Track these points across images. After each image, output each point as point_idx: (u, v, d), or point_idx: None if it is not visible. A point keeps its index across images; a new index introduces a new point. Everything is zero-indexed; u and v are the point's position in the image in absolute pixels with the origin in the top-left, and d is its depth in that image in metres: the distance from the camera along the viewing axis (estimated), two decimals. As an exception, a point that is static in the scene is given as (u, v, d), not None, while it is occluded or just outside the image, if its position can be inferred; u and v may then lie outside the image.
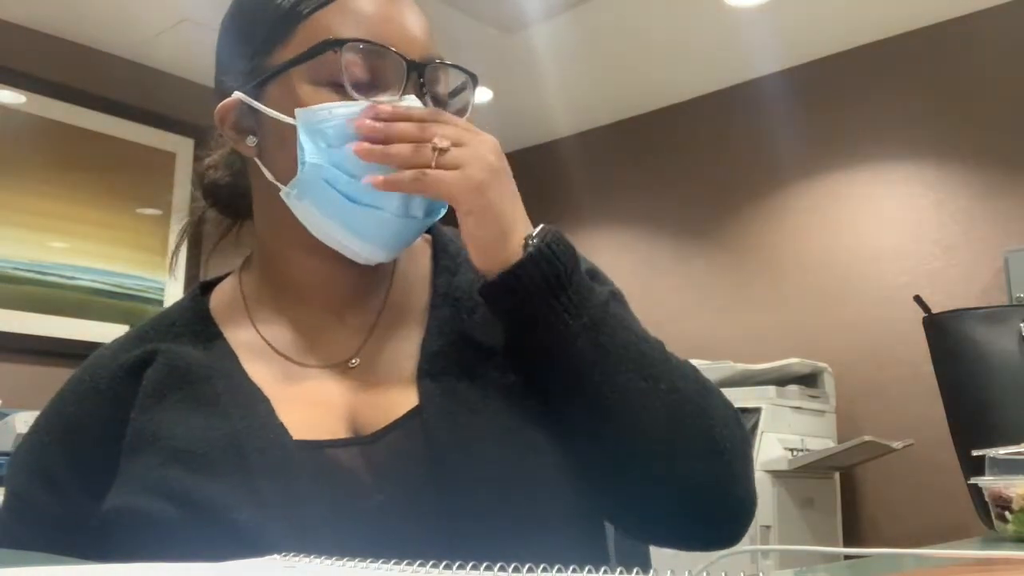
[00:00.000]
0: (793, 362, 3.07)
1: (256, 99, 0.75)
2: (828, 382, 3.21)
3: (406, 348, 0.79)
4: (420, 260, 0.87)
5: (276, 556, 0.51)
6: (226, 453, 0.68)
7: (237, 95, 0.76)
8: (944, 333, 1.31)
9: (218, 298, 0.85)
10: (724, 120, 3.91)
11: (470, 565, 0.45)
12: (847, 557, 0.55)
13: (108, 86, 3.47)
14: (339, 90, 0.73)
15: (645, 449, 0.69)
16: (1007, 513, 1.04)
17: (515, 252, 0.71)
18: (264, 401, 0.73)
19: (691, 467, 0.70)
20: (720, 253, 3.84)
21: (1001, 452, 1.06)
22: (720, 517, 0.73)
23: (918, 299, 1.35)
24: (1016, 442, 1.08)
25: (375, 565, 0.46)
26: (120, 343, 0.83)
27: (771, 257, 3.68)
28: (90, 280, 3.34)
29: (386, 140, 0.70)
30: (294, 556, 0.50)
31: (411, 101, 0.73)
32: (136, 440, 0.72)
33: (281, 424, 0.71)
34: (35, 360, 3.10)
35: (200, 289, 0.87)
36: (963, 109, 3.27)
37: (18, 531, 0.76)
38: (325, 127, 0.72)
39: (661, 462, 0.69)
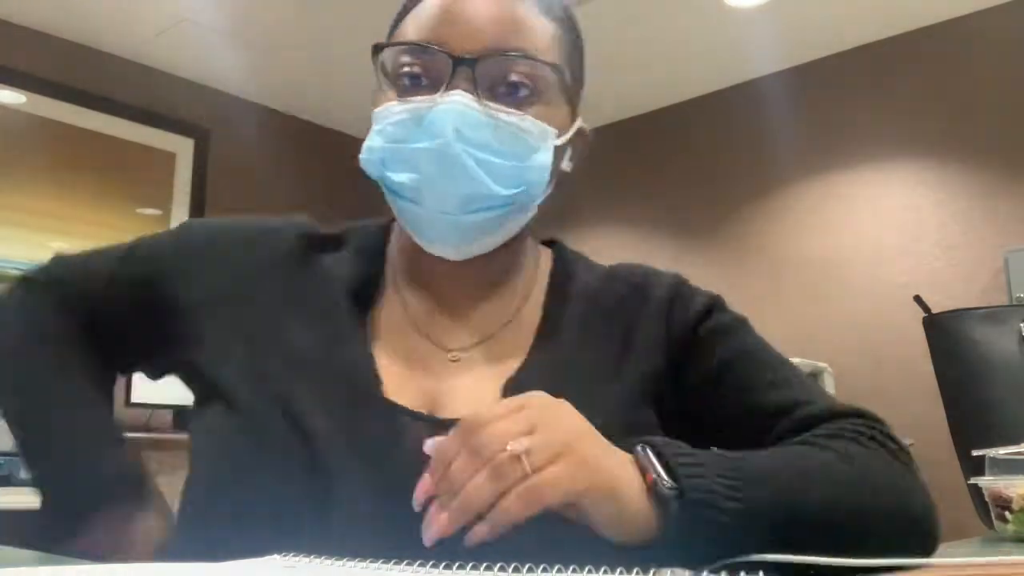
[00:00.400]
0: (793, 362, 3.07)
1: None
2: (828, 382, 3.21)
3: (502, 367, 0.78)
4: (539, 279, 0.87)
5: (276, 556, 0.51)
6: (322, 377, 0.73)
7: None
8: (944, 333, 1.31)
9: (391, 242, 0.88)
10: (724, 120, 3.91)
11: (470, 565, 0.45)
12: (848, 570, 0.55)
13: (108, 86, 3.47)
14: (397, 90, 0.77)
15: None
16: (1007, 513, 1.04)
17: (646, 514, 0.59)
18: (368, 356, 0.76)
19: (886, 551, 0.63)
20: (720, 253, 3.84)
21: (1001, 452, 1.06)
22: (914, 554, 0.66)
23: (918, 299, 1.36)
24: (1016, 442, 1.08)
25: (375, 565, 0.46)
26: (309, 232, 0.85)
27: (771, 257, 3.68)
28: (90, 280, 3.34)
29: (448, 486, 0.58)
30: (293, 556, 0.50)
31: (456, 97, 0.73)
32: (263, 318, 0.78)
33: (378, 377, 0.74)
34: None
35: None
36: (963, 109, 3.27)
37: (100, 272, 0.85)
38: (377, 126, 0.77)
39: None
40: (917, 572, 0.59)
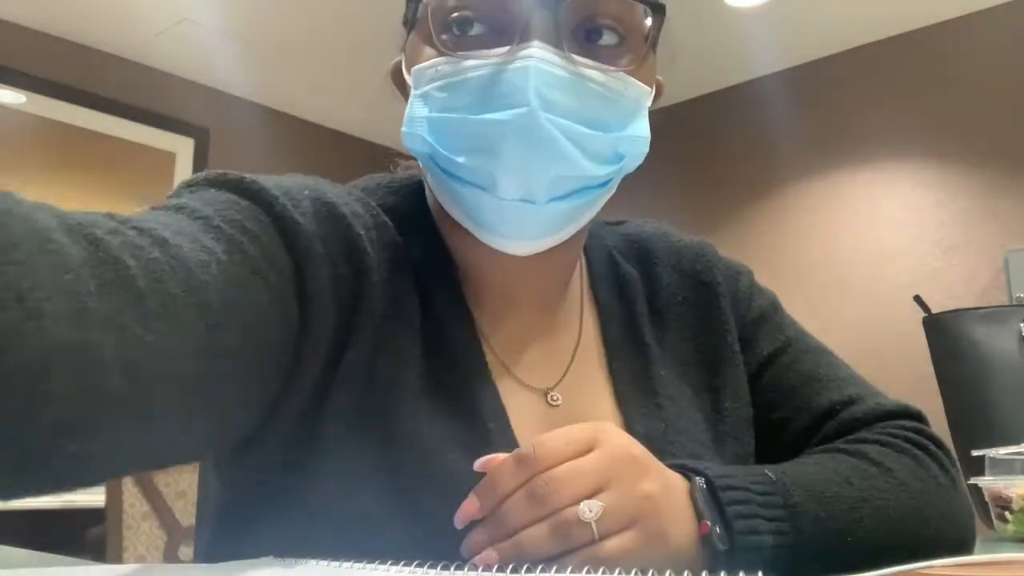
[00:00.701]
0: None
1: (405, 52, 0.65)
2: (828, 382, 3.20)
3: (600, 390, 0.69)
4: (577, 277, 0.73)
5: (271, 556, 0.51)
6: (463, 476, 0.54)
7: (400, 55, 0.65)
8: (944, 333, 1.31)
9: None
10: (724, 120, 3.91)
11: (468, 565, 0.45)
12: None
13: (108, 86, 3.47)
14: (444, 42, 0.59)
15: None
16: (1007, 513, 1.04)
17: (691, 552, 0.54)
18: (507, 426, 0.61)
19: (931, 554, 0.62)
20: (720, 252, 3.84)
21: (1001, 452, 1.06)
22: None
23: (918, 299, 1.35)
24: (1016, 442, 1.08)
25: (371, 566, 0.46)
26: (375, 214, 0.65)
27: (771, 257, 3.68)
28: (90, 280, 3.34)
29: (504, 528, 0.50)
30: (289, 556, 0.50)
31: (536, 51, 0.56)
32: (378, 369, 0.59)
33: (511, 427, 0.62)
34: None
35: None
36: (963, 109, 3.27)
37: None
38: (419, 90, 0.60)
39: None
40: (916, 572, 0.59)
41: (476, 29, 0.59)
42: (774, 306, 0.81)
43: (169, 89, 3.66)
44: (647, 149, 0.64)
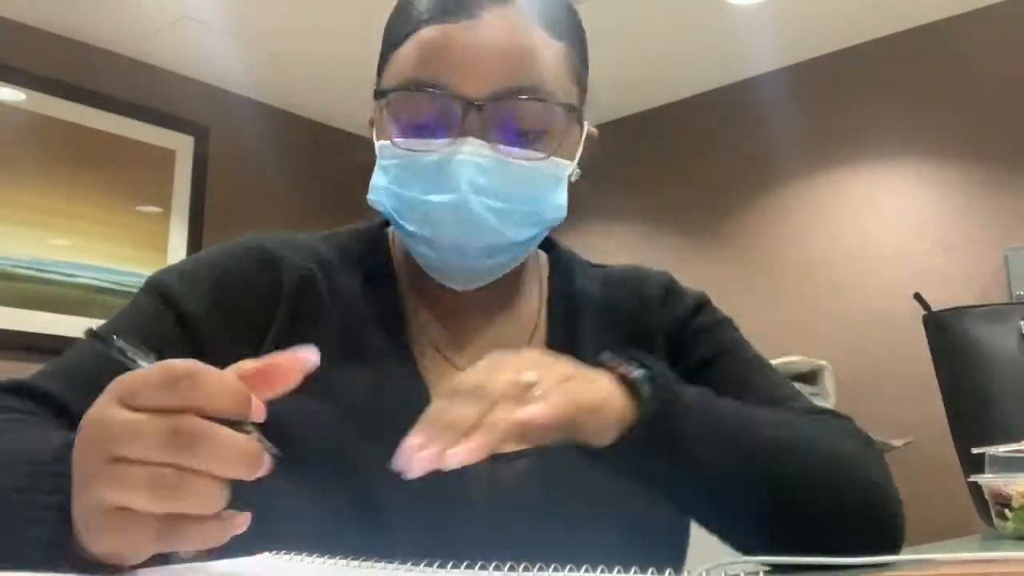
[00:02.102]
0: (793, 360, 3.06)
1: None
2: (828, 380, 3.20)
3: None
4: (541, 288, 0.86)
5: (266, 553, 0.51)
6: (375, 422, 0.68)
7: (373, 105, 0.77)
8: (944, 331, 1.30)
9: (396, 246, 0.84)
10: (724, 118, 3.90)
11: (464, 565, 0.45)
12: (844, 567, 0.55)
13: (108, 83, 3.47)
14: (399, 127, 0.73)
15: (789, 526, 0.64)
16: (1007, 511, 1.04)
17: (623, 411, 0.62)
18: (424, 389, 0.74)
19: (839, 535, 0.64)
20: (720, 250, 3.84)
21: (1001, 450, 1.06)
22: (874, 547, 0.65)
23: (918, 297, 1.35)
24: (1016, 440, 1.08)
25: (368, 563, 0.46)
26: (294, 245, 0.81)
27: (771, 255, 3.68)
28: (90, 278, 3.33)
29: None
30: (284, 553, 0.50)
31: (469, 148, 0.70)
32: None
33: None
34: (35, 358, 3.08)
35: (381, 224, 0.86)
36: (963, 107, 3.26)
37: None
38: (381, 162, 0.74)
39: (806, 538, 0.61)
40: (916, 571, 0.58)
41: (422, 122, 0.72)
42: (722, 323, 0.87)
43: (169, 86, 3.66)
44: (565, 213, 0.77)
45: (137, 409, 0.43)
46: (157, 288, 0.76)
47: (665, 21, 3.36)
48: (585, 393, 0.58)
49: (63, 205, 3.30)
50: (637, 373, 0.62)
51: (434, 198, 0.70)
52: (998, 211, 3.15)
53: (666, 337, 0.83)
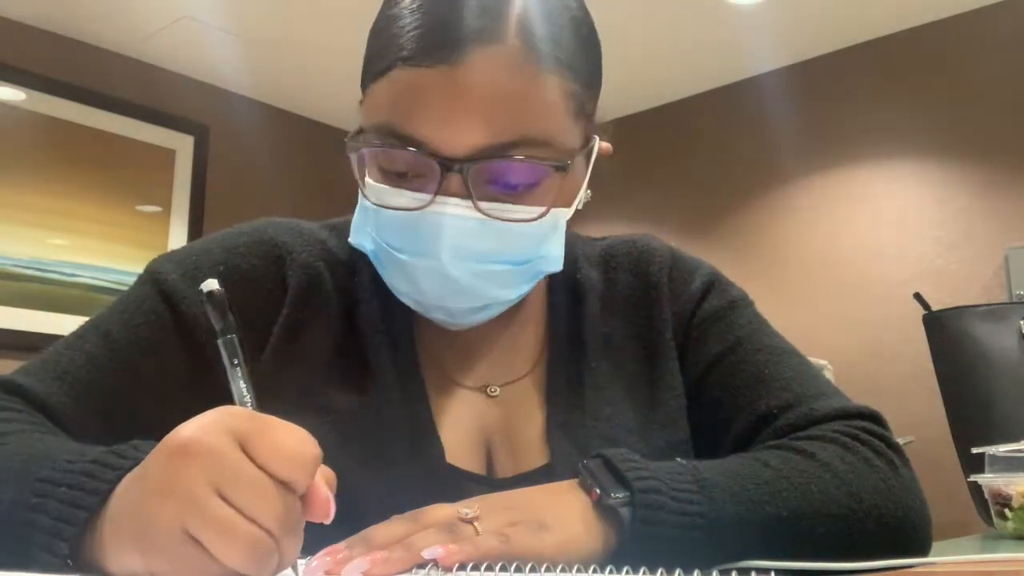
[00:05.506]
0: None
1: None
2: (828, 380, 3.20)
3: (535, 382, 0.76)
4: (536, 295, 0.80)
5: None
6: (375, 445, 0.66)
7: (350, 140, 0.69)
8: (944, 330, 1.30)
9: None
10: (725, 117, 3.90)
11: (469, 567, 0.45)
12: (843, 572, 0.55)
13: (107, 83, 3.46)
14: (378, 178, 0.66)
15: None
16: (1007, 510, 1.04)
17: (597, 532, 0.57)
18: (428, 412, 0.70)
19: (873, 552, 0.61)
20: (720, 250, 3.83)
21: (1001, 449, 1.06)
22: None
23: (918, 296, 1.35)
24: (1016, 439, 1.08)
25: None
26: (303, 237, 0.77)
27: (771, 255, 3.68)
28: (90, 277, 3.33)
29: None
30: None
31: (450, 209, 0.62)
32: (286, 350, 0.70)
33: (440, 443, 0.69)
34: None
35: None
36: (964, 106, 3.26)
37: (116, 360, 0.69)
38: (363, 200, 0.68)
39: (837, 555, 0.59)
40: (916, 570, 0.58)
41: (403, 169, 0.65)
42: (732, 306, 0.82)
43: (168, 86, 3.65)
44: (560, 264, 0.71)
45: (250, 458, 0.43)
46: (157, 283, 0.73)
47: (665, 21, 3.36)
48: (523, 545, 0.52)
49: (63, 204, 3.30)
50: (613, 500, 0.56)
51: (411, 259, 0.65)
52: (998, 211, 3.15)
53: (674, 331, 0.79)
